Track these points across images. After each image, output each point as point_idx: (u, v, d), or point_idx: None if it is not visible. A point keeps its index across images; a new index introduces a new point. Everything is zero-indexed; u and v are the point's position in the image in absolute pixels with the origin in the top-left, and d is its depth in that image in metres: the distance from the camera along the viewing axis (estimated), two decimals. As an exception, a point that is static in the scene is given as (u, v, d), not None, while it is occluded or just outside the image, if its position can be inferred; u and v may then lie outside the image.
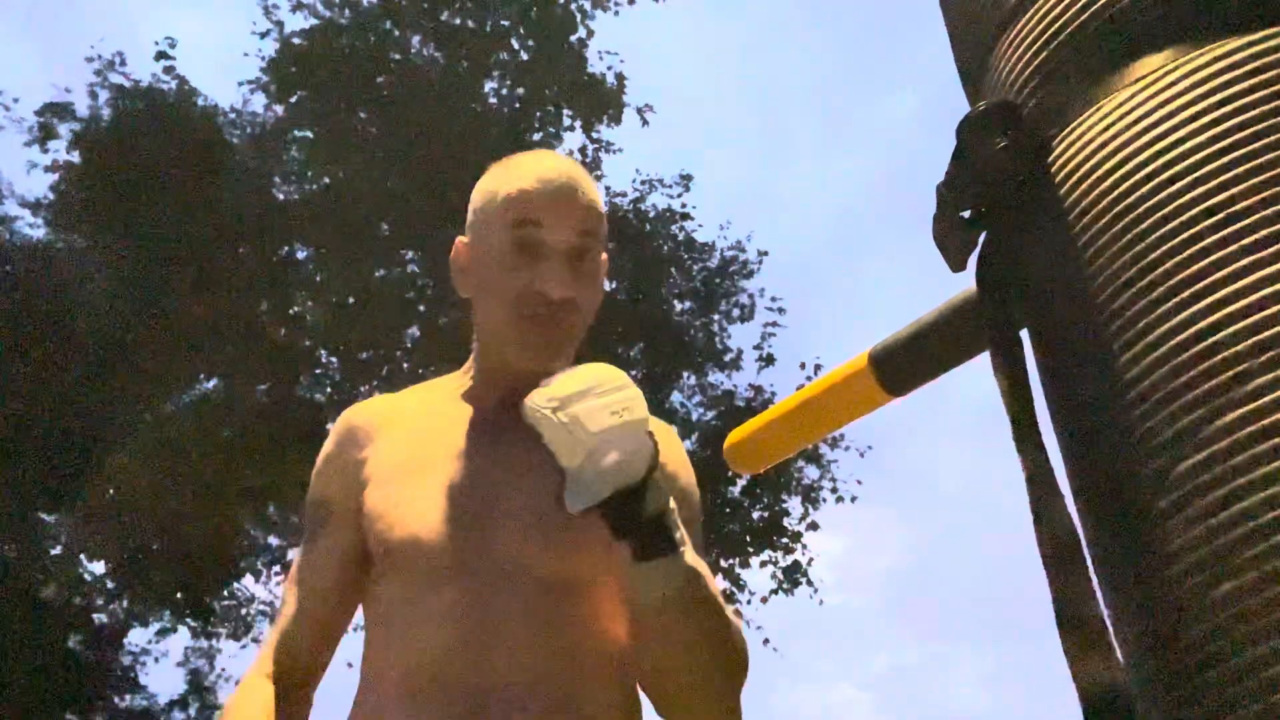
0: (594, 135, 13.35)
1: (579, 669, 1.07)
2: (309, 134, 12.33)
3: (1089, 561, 1.38)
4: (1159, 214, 1.30)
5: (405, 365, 12.35)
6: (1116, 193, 1.35)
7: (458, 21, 12.37)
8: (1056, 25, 1.48)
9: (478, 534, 1.10)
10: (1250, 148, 1.27)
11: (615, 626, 1.13)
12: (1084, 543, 1.41)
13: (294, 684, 1.19)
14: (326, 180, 12.29)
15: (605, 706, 1.08)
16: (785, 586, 12.92)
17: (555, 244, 1.15)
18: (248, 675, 1.18)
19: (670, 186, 14.00)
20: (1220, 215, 1.26)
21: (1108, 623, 1.29)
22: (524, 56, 12.58)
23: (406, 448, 1.18)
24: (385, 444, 1.19)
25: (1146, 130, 1.35)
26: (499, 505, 1.12)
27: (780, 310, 13.80)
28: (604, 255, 1.26)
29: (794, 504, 13.72)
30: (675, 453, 1.26)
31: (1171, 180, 1.30)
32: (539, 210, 1.15)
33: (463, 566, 1.08)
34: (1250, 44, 1.32)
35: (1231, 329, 1.21)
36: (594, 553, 1.11)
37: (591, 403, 0.99)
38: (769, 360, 13.54)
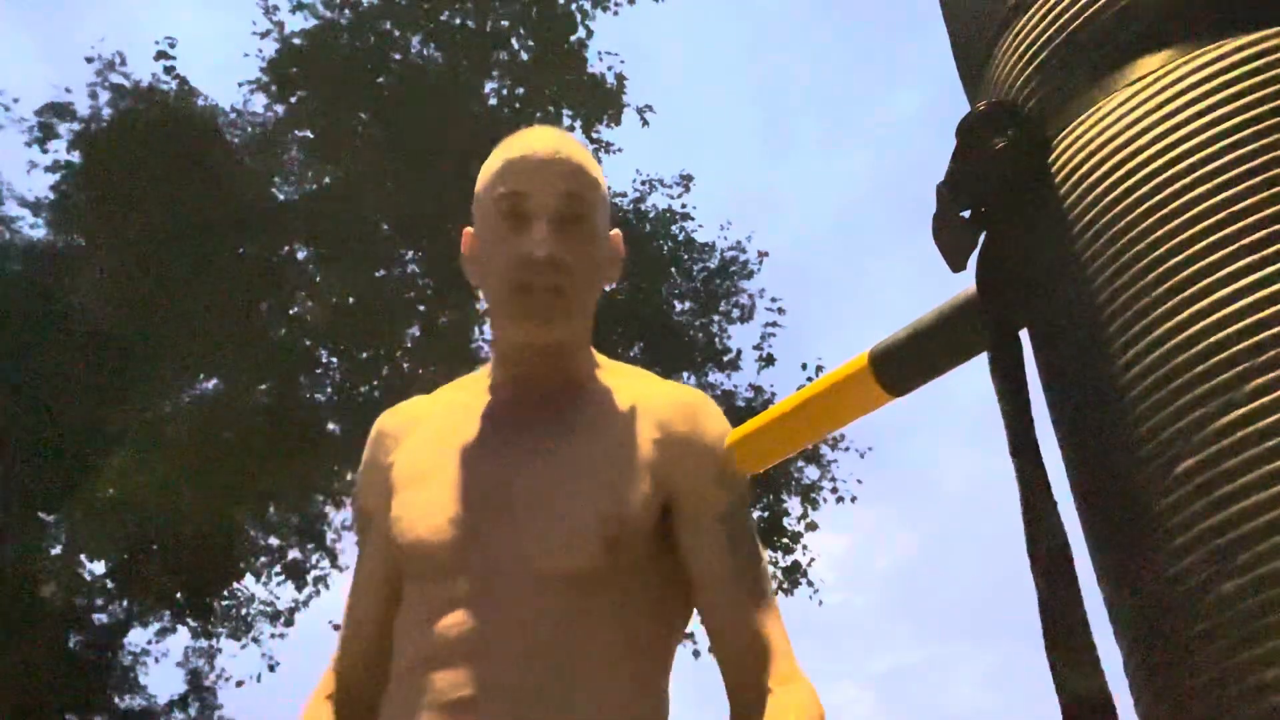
0: (594, 135, 13.34)
1: (581, 663, 1.05)
2: (309, 134, 12.32)
3: (1092, 564, 1.37)
4: (1159, 214, 1.30)
5: (405, 365, 12.35)
6: (1116, 193, 1.35)
7: (458, 21, 12.36)
8: (1056, 25, 1.48)
9: (474, 531, 1.10)
10: (1250, 148, 1.27)
11: (619, 621, 1.10)
12: (1083, 547, 1.41)
13: (358, 701, 1.20)
14: (327, 180, 12.28)
15: (607, 701, 1.05)
16: (785, 586, 12.92)
17: (540, 208, 1.14)
18: (311, 697, 1.19)
19: (670, 186, 14.00)
20: (1220, 215, 1.26)
21: (1093, 634, 1.29)
22: (524, 56, 12.58)
23: (425, 450, 1.17)
24: (409, 448, 1.19)
25: (1146, 130, 1.35)
26: (496, 502, 1.12)
27: (780, 310, 13.80)
28: (615, 231, 1.25)
29: (794, 504, 13.71)
30: (703, 424, 1.20)
31: (1171, 180, 1.30)
32: (523, 179, 1.14)
33: (462, 564, 1.08)
34: (1250, 44, 1.32)
35: (1231, 329, 1.21)
36: (594, 546, 1.08)
37: None
38: (769, 360, 13.53)
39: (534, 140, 1.16)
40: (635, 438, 1.14)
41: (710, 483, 1.16)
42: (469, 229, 1.25)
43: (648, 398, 1.19)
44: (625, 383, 1.22)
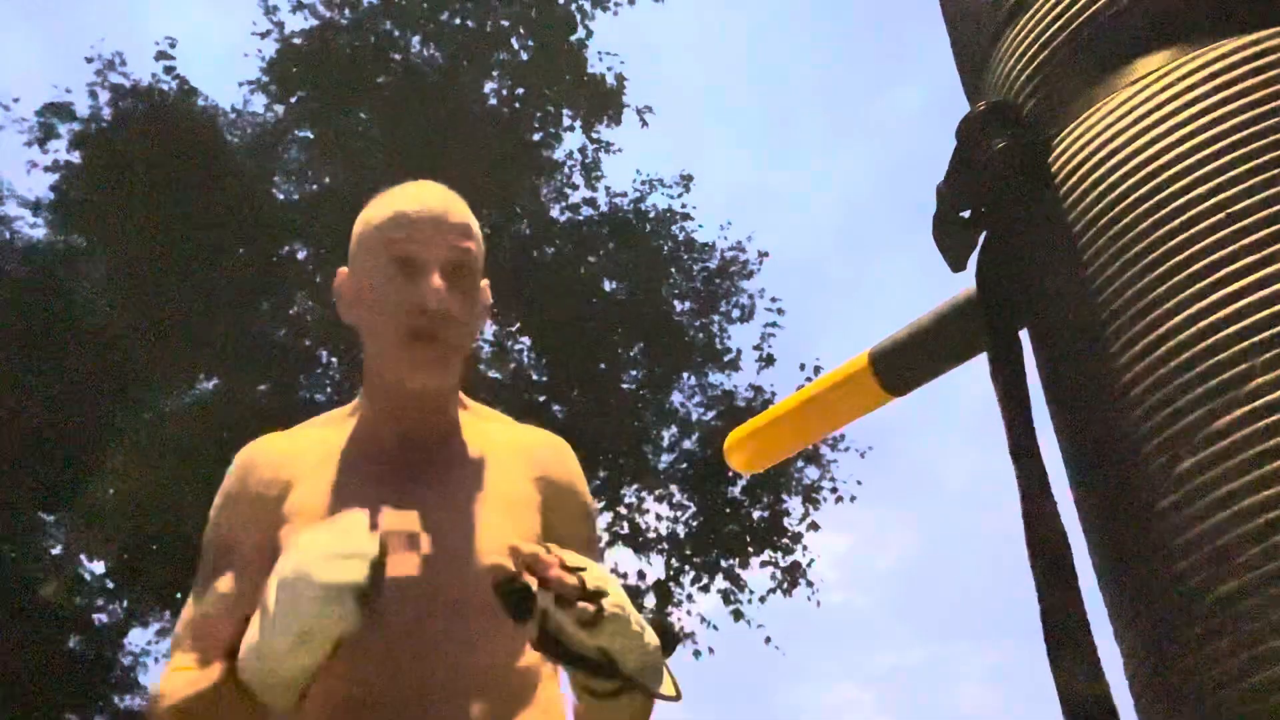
0: (594, 135, 13.35)
1: (505, 686, 1.12)
2: (309, 134, 12.33)
3: (1092, 565, 1.38)
4: (1159, 214, 1.30)
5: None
6: (1116, 193, 1.35)
7: (458, 21, 12.37)
8: (1056, 25, 1.48)
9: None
10: (1250, 148, 1.27)
11: (524, 644, 1.17)
12: (1082, 547, 1.41)
13: None
14: (327, 180, 12.29)
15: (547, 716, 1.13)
16: (785, 586, 12.93)
17: (431, 258, 1.19)
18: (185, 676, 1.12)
19: (670, 186, 14.00)
20: (1220, 215, 1.26)
21: (1092, 632, 1.30)
22: (524, 56, 12.58)
23: (319, 489, 1.19)
24: (298, 485, 1.20)
25: (1146, 130, 1.35)
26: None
27: (780, 310, 13.81)
28: (485, 281, 1.29)
29: (794, 504, 13.71)
30: (572, 467, 1.32)
31: (1171, 180, 1.30)
32: (413, 228, 1.19)
33: (392, 595, 1.12)
34: (1250, 44, 1.32)
35: (1231, 329, 1.21)
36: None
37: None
38: (769, 360, 13.54)
39: (425, 195, 1.22)
40: (518, 478, 1.25)
41: (580, 518, 1.29)
42: (344, 269, 1.28)
43: (521, 442, 1.31)
44: (492, 426, 1.32)
